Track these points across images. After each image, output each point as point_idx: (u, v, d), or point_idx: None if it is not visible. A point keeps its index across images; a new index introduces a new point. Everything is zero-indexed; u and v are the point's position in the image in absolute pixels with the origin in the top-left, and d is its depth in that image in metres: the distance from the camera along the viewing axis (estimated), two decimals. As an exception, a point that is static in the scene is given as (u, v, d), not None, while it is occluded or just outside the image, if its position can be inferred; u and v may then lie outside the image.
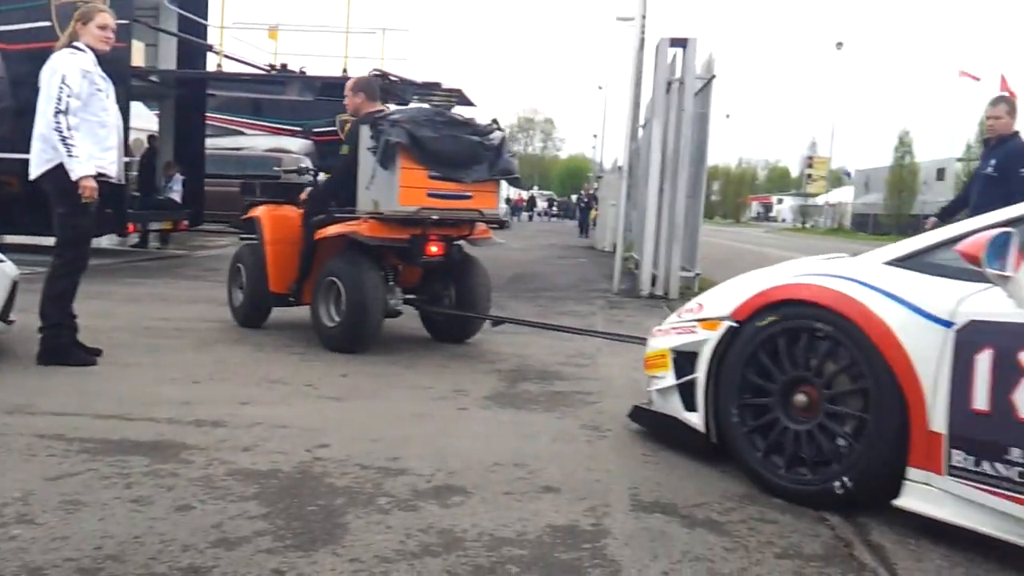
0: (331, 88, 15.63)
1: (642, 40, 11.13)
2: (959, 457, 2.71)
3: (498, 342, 6.33)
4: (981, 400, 2.66)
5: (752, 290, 3.45)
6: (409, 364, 5.37)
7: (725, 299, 3.57)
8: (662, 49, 9.71)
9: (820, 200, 75.98)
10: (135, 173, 14.40)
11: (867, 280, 3.09)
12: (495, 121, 6.17)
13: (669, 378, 3.72)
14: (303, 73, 14.51)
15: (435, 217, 5.64)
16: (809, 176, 76.67)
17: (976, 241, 2.73)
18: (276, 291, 6.17)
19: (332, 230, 5.76)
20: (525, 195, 56.95)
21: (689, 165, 9.83)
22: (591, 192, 32.45)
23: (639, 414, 3.98)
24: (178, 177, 13.79)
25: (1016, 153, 5.78)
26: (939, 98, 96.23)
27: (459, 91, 15.90)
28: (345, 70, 14.56)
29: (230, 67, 14.83)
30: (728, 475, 3.35)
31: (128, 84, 11.29)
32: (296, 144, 21.79)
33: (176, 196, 13.72)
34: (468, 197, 5.82)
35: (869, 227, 57.81)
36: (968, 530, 2.69)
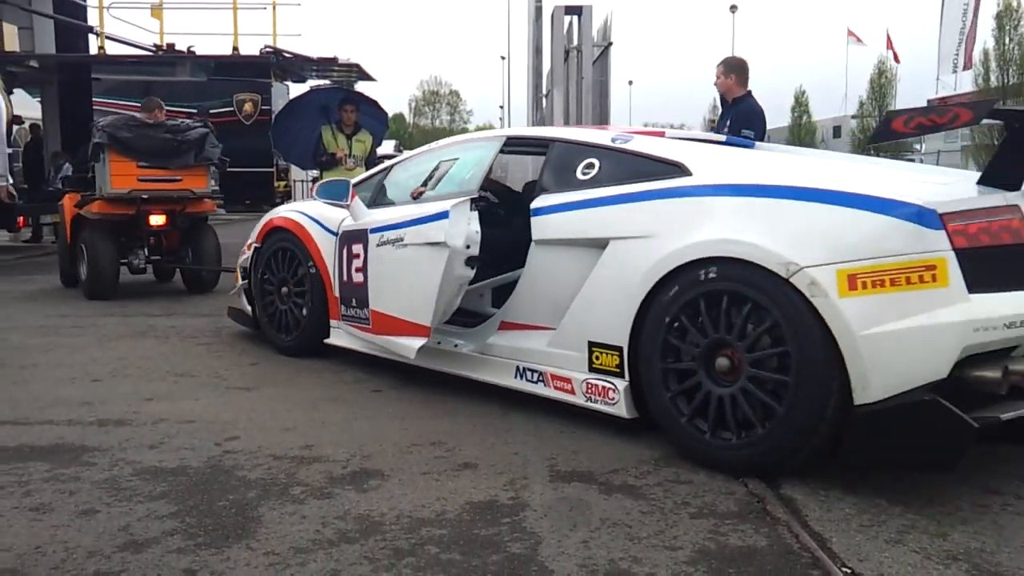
0: (224, 67, 15.15)
1: (538, 8, 11.08)
2: (342, 308, 4.64)
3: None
4: (345, 275, 4.54)
5: (263, 221, 5.40)
6: (319, 350, 5.25)
7: (257, 228, 5.44)
8: (557, 17, 9.70)
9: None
10: (19, 164, 13.72)
11: (309, 212, 5.02)
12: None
13: (240, 284, 5.55)
14: (192, 53, 14.01)
15: (145, 196, 7.38)
16: (711, 138, 77.98)
17: (314, 187, 5.03)
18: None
19: (79, 211, 7.62)
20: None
21: (592, 132, 9.86)
22: None
23: (231, 312, 5.83)
24: (67, 166, 13.14)
25: (743, 114, 5.74)
26: (830, 57, 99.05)
27: (357, 66, 15.69)
28: (236, 48, 14.10)
29: (114, 49, 14.22)
30: (644, 440, 3.40)
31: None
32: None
33: (66, 186, 13.08)
34: (178, 180, 7.55)
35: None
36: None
